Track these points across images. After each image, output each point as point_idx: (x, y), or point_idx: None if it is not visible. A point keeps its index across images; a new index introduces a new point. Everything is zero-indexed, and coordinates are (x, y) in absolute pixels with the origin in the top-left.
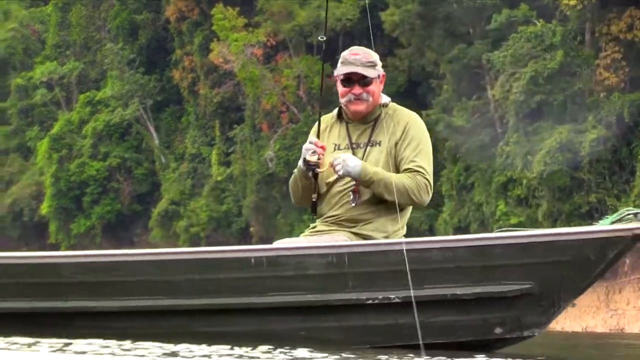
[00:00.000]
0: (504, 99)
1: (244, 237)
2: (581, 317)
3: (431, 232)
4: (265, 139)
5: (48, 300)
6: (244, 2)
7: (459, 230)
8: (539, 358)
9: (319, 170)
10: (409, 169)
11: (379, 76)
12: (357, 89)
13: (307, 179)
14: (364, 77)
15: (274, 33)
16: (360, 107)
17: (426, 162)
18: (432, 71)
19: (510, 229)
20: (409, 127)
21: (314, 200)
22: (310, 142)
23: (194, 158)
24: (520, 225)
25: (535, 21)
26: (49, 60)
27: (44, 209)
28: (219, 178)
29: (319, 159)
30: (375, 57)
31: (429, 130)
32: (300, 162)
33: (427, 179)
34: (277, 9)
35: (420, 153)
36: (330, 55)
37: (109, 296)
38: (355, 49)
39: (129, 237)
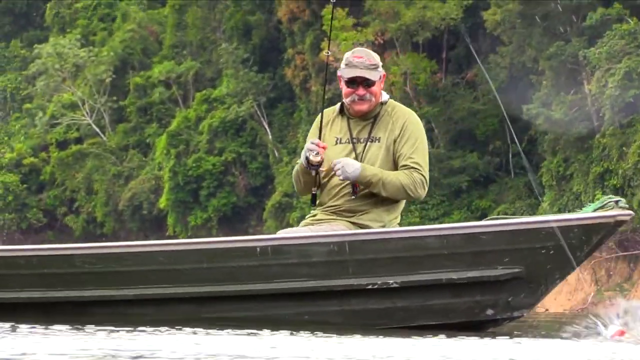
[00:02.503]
0: (600, 94)
1: None
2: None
3: None
4: None
5: (64, 290)
6: (353, 3)
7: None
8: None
9: (321, 169)
10: (406, 165)
11: (380, 77)
12: (361, 91)
13: (309, 175)
14: (367, 79)
15: (382, 32)
16: (364, 107)
17: (422, 159)
18: (532, 67)
19: (501, 217)
20: (407, 124)
21: (314, 192)
22: (312, 143)
23: None
24: None
25: (629, 19)
26: (167, 59)
27: (163, 202)
28: None
29: (321, 158)
30: (377, 59)
31: (529, 124)
32: (303, 160)
33: (422, 175)
34: (384, 9)
35: (417, 150)
36: (436, 53)
37: (122, 285)
38: (358, 51)
39: (244, 228)
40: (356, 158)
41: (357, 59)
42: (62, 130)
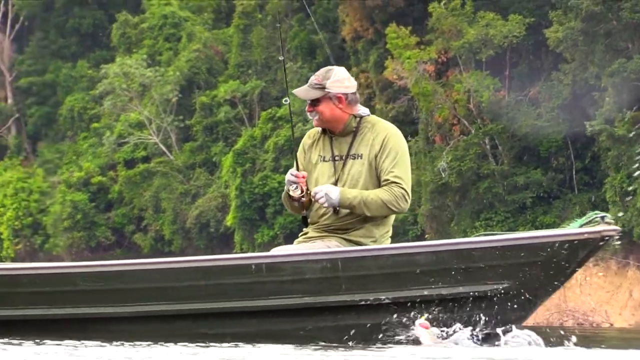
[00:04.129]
0: None
1: None
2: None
3: None
4: (438, 150)
5: (64, 307)
6: (416, 22)
7: (622, 234)
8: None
9: (303, 199)
10: (387, 180)
11: (329, 97)
12: (308, 108)
13: (295, 202)
14: (312, 99)
15: (445, 50)
16: (314, 122)
17: (403, 172)
18: (594, 84)
19: (489, 233)
20: (387, 139)
21: (304, 215)
22: (292, 174)
23: None
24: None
25: None
26: (232, 79)
27: (229, 220)
28: None
29: (301, 192)
30: (329, 79)
31: (592, 140)
32: (285, 190)
33: (404, 189)
34: (447, 27)
35: (398, 164)
36: (499, 70)
37: (119, 302)
38: (320, 70)
39: None
40: (338, 175)
41: (312, 78)
42: (130, 149)
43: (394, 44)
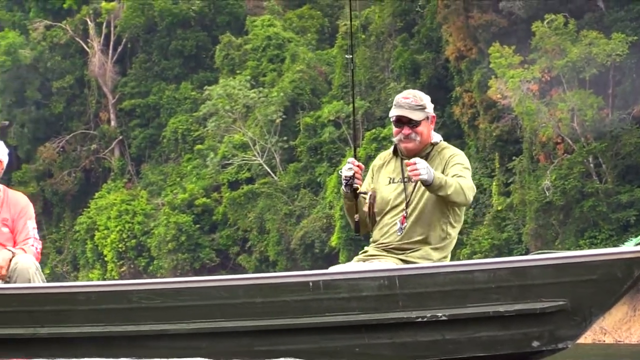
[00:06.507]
0: None
1: None
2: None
3: None
4: (542, 169)
5: (121, 325)
6: (520, 41)
7: None
8: None
9: (355, 185)
10: (456, 174)
11: (427, 118)
12: (406, 130)
13: (349, 199)
14: (411, 119)
15: (548, 69)
16: (410, 145)
17: (468, 176)
18: None
19: (544, 251)
20: (453, 157)
21: (356, 220)
22: (348, 162)
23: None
24: None
25: None
26: (336, 99)
27: (334, 240)
28: (499, 207)
29: (354, 175)
30: (424, 100)
31: None
32: (342, 183)
33: (472, 184)
34: (551, 46)
35: (463, 170)
36: (602, 88)
37: (177, 319)
38: (406, 92)
39: None
40: (407, 197)
41: (404, 99)
42: (234, 171)
43: (498, 63)
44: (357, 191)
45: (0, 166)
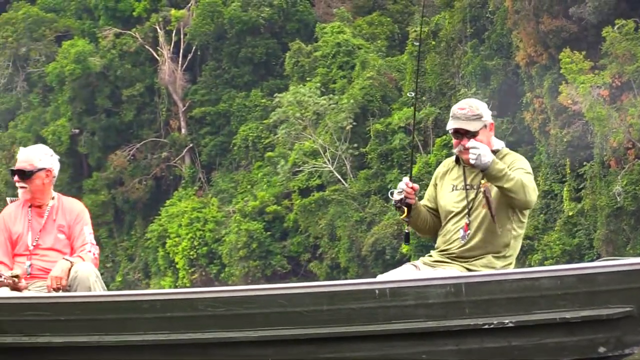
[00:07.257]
0: None
1: None
2: None
3: None
4: (613, 174)
5: (187, 333)
6: (590, 46)
7: None
8: None
9: (404, 209)
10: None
11: (485, 126)
12: (465, 141)
13: (401, 213)
14: (468, 130)
15: (619, 74)
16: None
17: (530, 180)
18: None
19: (611, 258)
20: (514, 162)
21: (407, 231)
22: (400, 184)
23: (545, 195)
24: None
25: None
26: (406, 106)
27: (405, 247)
28: (571, 213)
29: (406, 197)
30: (480, 108)
31: None
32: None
33: (534, 186)
34: (621, 51)
35: (524, 175)
36: None
37: (243, 327)
38: (462, 102)
39: None
40: (468, 204)
41: (460, 110)
42: (304, 178)
43: (568, 68)
44: (411, 207)
45: (50, 175)
